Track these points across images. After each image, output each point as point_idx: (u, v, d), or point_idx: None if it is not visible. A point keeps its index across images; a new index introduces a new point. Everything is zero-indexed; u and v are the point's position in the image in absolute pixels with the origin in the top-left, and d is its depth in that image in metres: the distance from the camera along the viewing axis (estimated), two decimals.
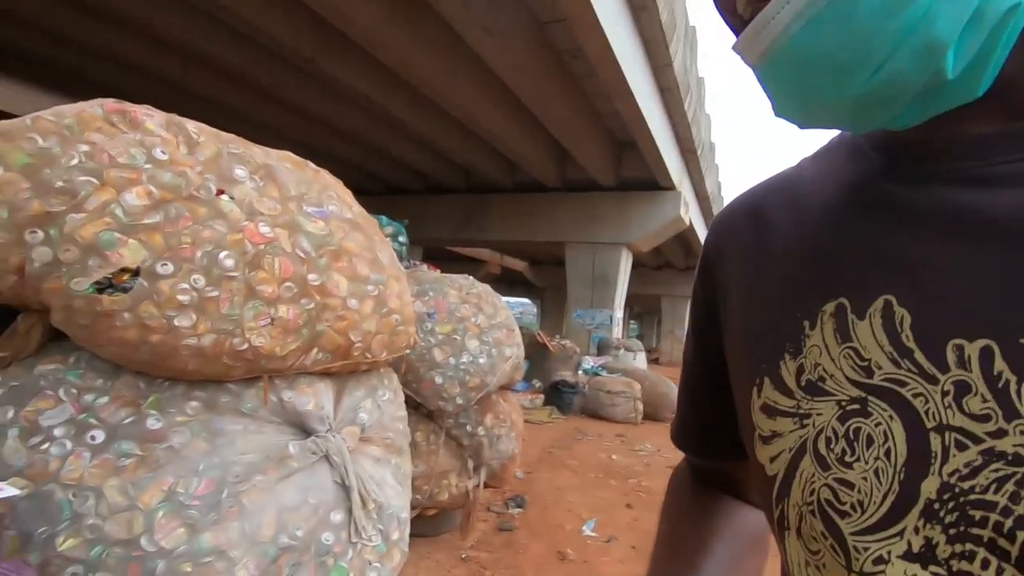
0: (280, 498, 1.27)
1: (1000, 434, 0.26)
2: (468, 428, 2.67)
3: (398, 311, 1.65)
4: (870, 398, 0.31)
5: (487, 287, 3.02)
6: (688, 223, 11.84)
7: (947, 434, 0.28)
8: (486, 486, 2.92)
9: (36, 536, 1.04)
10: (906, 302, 0.31)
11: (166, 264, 1.15)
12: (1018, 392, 0.26)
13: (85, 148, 1.15)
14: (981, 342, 0.27)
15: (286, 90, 7.24)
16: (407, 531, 1.63)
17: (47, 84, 7.68)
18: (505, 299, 3.31)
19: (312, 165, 1.66)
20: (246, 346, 1.25)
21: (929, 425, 0.29)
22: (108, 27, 6.09)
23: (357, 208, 1.71)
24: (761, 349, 0.37)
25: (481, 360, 2.60)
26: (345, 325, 1.45)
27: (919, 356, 0.29)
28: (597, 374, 8.42)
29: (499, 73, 6.55)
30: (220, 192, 1.28)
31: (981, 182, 0.30)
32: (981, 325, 0.28)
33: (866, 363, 0.31)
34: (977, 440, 0.27)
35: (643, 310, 35.91)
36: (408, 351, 1.86)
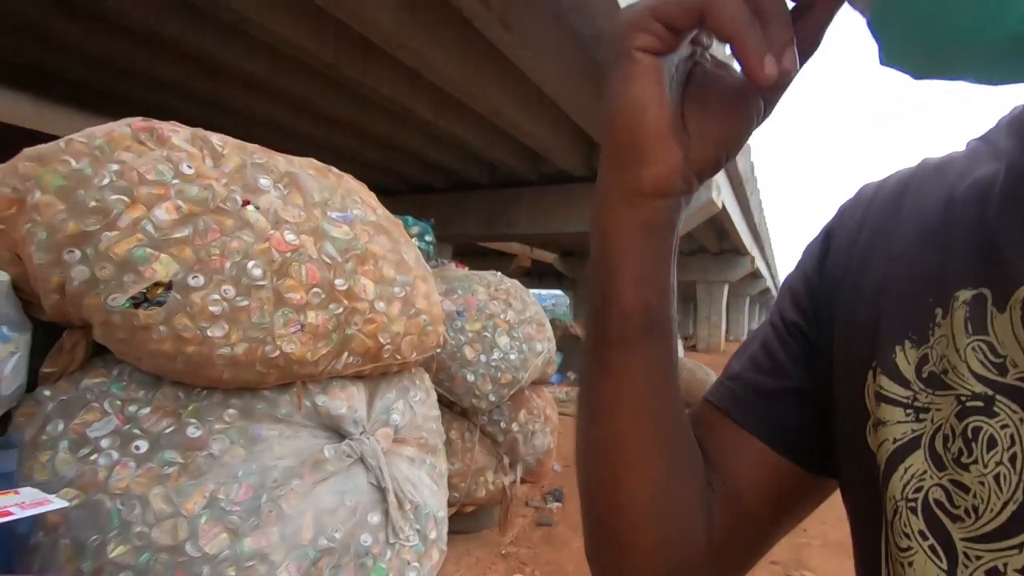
0: (318, 501, 1.30)
1: None
2: (502, 425, 2.68)
3: (426, 311, 1.66)
4: (998, 397, 0.28)
5: (516, 282, 3.02)
6: (721, 206, 11.56)
7: None
8: (524, 481, 2.93)
9: (89, 544, 1.08)
10: None
11: (197, 276, 1.18)
12: None
13: (116, 167, 1.19)
14: None
15: (312, 97, 7.35)
16: (444, 530, 1.65)
17: (84, 104, 7.99)
18: (537, 291, 3.30)
19: (335, 170, 1.68)
20: (278, 353, 1.27)
21: None
22: (141, 47, 6.29)
23: (381, 210, 1.72)
24: (877, 332, 0.34)
25: (512, 356, 2.59)
26: (374, 328, 1.46)
27: None
28: None
29: (520, 66, 6.51)
30: (246, 203, 1.30)
31: None
32: None
33: (1001, 360, 0.28)
34: None
35: (677, 297, 35.31)
36: (438, 350, 1.87)
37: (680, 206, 0.34)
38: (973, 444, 0.28)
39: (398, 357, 1.56)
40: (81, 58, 6.65)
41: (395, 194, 12.75)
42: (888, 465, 0.31)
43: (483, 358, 2.53)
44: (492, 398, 2.53)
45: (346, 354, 1.42)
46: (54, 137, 1.26)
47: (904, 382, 0.32)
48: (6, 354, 1.13)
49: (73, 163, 1.17)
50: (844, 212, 0.42)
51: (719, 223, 15.18)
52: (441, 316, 1.80)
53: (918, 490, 0.30)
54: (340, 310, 1.38)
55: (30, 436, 1.16)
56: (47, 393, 1.21)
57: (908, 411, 0.31)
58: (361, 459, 1.41)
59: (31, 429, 1.17)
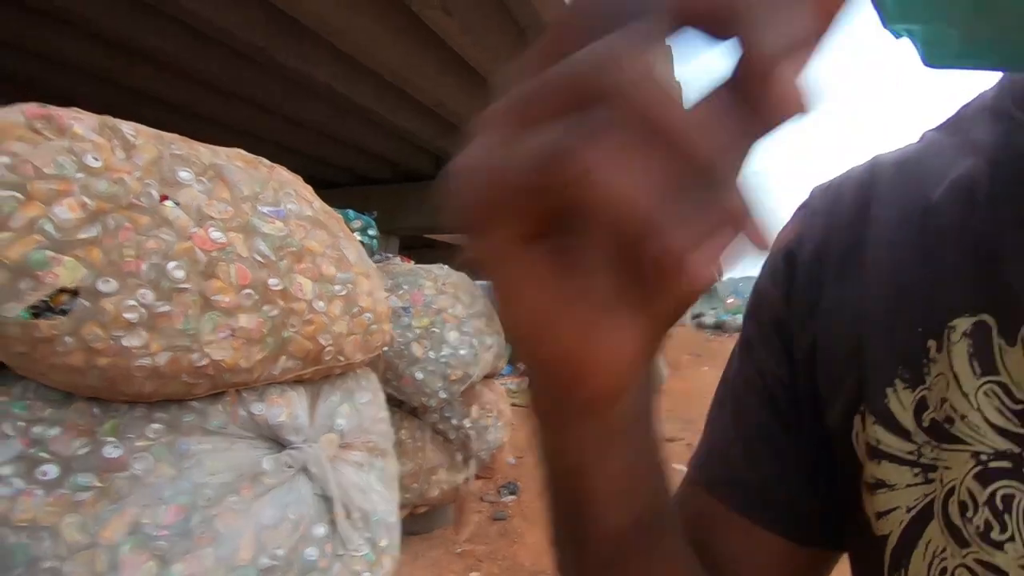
0: (257, 518, 1.21)
1: None
2: (454, 422, 2.62)
3: (370, 309, 1.58)
4: None
5: (463, 275, 2.95)
6: None
7: None
8: (477, 476, 2.89)
9: None
10: None
11: (108, 280, 1.06)
12: None
13: (5, 160, 1.05)
14: None
15: (242, 83, 6.98)
16: (397, 535, 1.58)
17: None
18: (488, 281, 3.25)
19: (266, 162, 1.56)
20: (206, 361, 1.17)
21: None
22: (41, 22, 5.77)
23: (318, 204, 1.62)
24: (863, 370, 0.28)
25: (462, 352, 2.54)
26: (313, 329, 1.37)
27: None
28: None
29: (462, 53, 6.41)
30: (164, 198, 1.19)
31: None
32: None
33: (1021, 406, 0.23)
34: None
35: None
36: (385, 349, 1.79)
37: (654, 383, 0.25)
38: (1005, 517, 0.23)
39: (341, 359, 1.48)
40: None
41: (337, 186, 12.36)
42: (905, 540, 0.26)
43: (432, 355, 2.46)
44: (443, 395, 2.47)
45: (284, 358, 1.33)
46: None
47: (903, 433, 0.26)
48: None
49: None
50: (802, 224, 0.35)
51: None
52: (387, 313, 1.72)
53: (943, 572, 0.24)
54: (275, 312, 1.29)
55: None
56: None
57: (916, 470, 0.26)
58: (304, 469, 1.33)
59: None
